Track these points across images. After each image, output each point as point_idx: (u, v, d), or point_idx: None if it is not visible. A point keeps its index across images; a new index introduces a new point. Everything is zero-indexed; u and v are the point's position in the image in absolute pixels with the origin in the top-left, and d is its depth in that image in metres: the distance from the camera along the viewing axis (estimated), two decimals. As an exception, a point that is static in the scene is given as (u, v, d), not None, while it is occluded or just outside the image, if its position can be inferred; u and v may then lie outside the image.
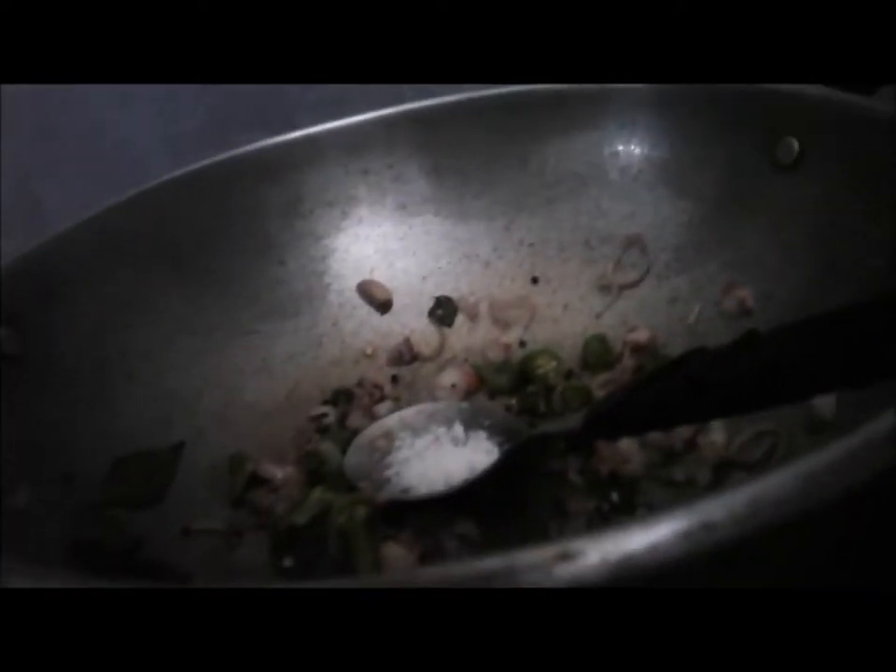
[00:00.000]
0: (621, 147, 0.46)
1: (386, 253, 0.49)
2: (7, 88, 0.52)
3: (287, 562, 0.33)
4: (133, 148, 0.59)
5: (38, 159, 0.57)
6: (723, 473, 0.33)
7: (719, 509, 0.16)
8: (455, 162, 0.49)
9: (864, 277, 0.34)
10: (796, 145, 0.38)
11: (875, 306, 0.23)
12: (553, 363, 0.41)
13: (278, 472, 0.37)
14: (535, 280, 0.47)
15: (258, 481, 0.37)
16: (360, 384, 0.44)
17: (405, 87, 0.61)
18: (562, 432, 0.31)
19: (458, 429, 0.38)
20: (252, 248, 0.46)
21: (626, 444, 0.35)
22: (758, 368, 0.24)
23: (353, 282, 0.48)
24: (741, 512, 0.15)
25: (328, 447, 0.38)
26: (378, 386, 0.44)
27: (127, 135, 0.58)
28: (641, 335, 0.41)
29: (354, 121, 0.49)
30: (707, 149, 0.42)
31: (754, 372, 0.24)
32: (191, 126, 0.59)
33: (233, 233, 0.46)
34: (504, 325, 0.46)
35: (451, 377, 0.43)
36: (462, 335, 0.47)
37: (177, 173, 0.45)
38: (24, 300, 0.36)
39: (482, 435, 0.38)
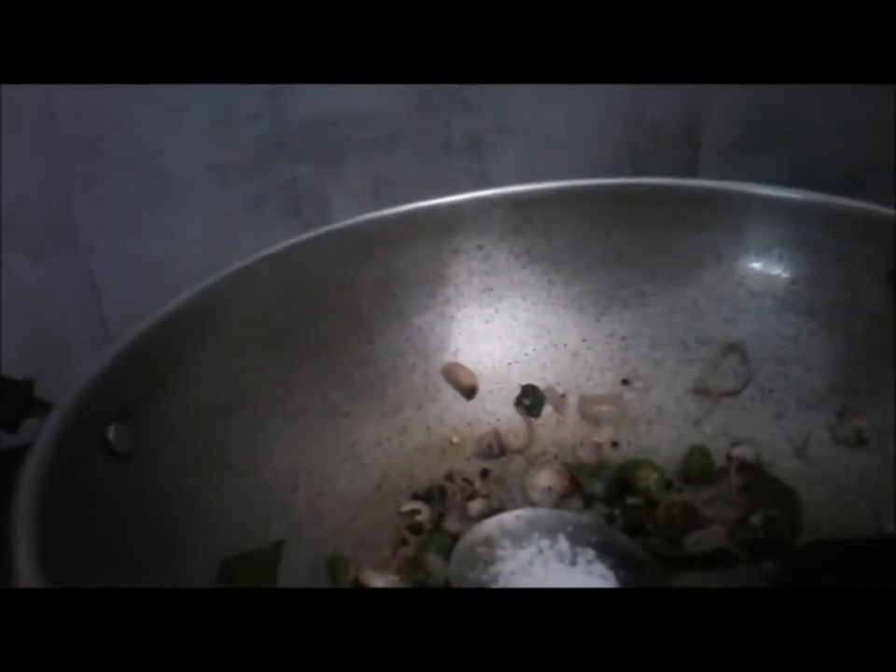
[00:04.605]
0: (724, 251, 0.45)
1: (471, 335, 0.48)
2: (54, 99, 0.51)
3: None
4: (176, 174, 0.57)
5: (77, 175, 0.55)
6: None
7: None
8: (546, 249, 0.48)
9: None
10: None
11: None
12: (656, 475, 0.41)
13: (380, 581, 0.36)
14: (625, 381, 0.46)
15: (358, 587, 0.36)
16: (450, 477, 0.43)
17: (453, 134, 0.60)
18: None
19: (564, 544, 0.37)
20: (343, 326, 0.45)
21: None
22: None
23: (437, 363, 0.47)
24: None
25: (433, 559, 0.37)
26: (469, 482, 0.43)
27: (171, 160, 0.57)
28: (747, 452, 0.41)
29: (448, 201, 0.48)
30: (823, 267, 0.41)
31: None
32: (237, 156, 0.58)
33: (326, 309, 0.45)
34: (594, 421, 0.46)
35: (545, 478, 0.42)
36: (550, 428, 0.46)
37: (272, 249, 0.43)
38: (136, 388, 0.35)
39: (590, 553, 0.37)
